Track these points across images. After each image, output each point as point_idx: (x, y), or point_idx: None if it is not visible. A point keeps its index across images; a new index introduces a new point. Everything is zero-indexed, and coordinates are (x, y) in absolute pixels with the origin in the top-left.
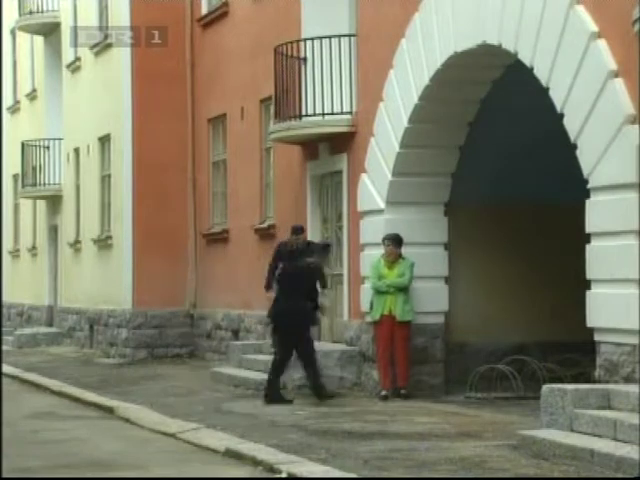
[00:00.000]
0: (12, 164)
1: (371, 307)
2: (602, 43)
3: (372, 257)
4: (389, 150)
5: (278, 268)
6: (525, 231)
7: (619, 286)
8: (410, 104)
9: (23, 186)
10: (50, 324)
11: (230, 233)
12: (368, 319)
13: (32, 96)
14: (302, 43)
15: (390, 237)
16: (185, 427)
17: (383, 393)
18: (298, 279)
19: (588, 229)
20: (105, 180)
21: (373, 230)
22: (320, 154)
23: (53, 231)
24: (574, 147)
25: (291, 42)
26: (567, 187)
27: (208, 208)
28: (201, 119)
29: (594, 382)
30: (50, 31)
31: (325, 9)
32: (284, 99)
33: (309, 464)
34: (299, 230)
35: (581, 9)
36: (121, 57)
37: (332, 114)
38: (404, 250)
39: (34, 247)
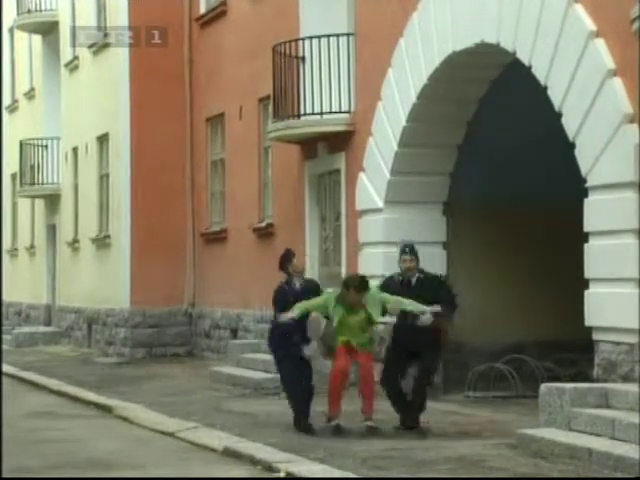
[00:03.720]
0: (10, 163)
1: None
2: (600, 42)
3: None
4: (387, 149)
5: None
6: (524, 230)
7: (617, 285)
8: (408, 103)
9: (21, 185)
10: (48, 323)
11: (228, 232)
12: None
13: (30, 95)
14: (300, 42)
15: (353, 281)
16: (183, 426)
17: (334, 423)
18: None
19: (586, 228)
20: (103, 179)
21: (372, 229)
22: (318, 153)
23: (51, 230)
24: (572, 146)
25: (289, 41)
26: (565, 186)
27: (206, 207)
28: (199, 118)
29: (592, 381)
30: (48, 30)
31: (323, 8)
32: (282, 98)
33: (307, 463)
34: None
35: (579, 8)
36: (119, 56)
37: (330, 113)
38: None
39: (32, 246)
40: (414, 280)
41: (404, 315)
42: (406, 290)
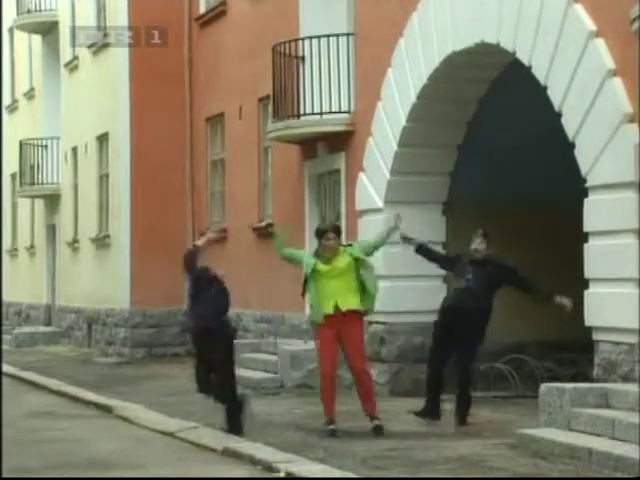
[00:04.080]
0: (10, 163)
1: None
2: (600, 42)
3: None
4: (387, 149)
5: None
6: (523, 230)
7: (617, 285)
8: (408, 103)
9: (21, 185)
10: (48, 323)
11: (228, 232)
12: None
13: (30, 95)
14: (300, 42)
15: (327, 226)
16: (183, 426)
17: (331, 427)
18: None
19: (586, 228)
20: (103, 179)
21: (372, 229)
22: (318, 153)
23: (51, 230)
24: (572, 146)
25: (289, 41)
26: (565, 186)
27: (206, 207)
28: (199, 118)
29: (592, 381)
30: (48, 30)
31: (323, 8)
32: (282, 98)
33: (307, 463)
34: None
35: (579, 8)
36: (119, 56)
37: (330, 113)
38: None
39: (32, 246)
40: (480, 258)
41: (458, 296)
42: (467, 266)
